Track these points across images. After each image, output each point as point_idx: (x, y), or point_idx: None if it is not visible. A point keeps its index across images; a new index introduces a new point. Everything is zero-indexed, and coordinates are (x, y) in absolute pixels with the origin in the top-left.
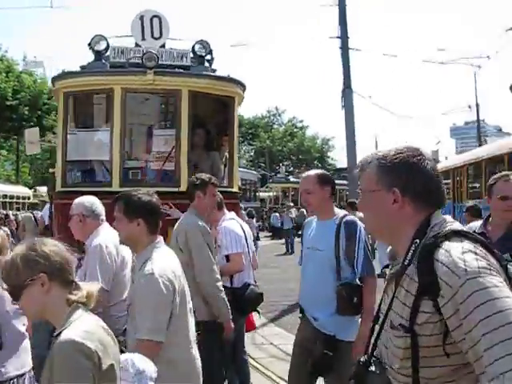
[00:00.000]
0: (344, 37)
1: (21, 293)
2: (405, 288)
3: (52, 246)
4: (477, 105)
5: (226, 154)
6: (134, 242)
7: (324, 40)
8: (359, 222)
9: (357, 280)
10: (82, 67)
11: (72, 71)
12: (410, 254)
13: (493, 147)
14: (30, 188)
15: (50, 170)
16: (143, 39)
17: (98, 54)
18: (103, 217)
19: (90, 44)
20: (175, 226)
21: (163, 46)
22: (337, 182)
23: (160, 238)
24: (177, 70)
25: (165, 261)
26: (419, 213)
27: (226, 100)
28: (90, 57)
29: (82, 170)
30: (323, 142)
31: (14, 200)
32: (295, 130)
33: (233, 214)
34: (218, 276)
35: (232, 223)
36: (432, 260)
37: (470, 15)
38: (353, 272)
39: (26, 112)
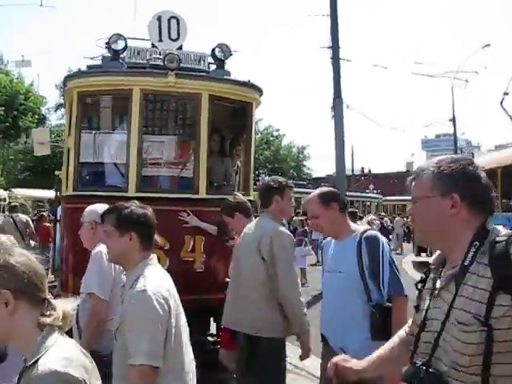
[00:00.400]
0: (335, 47)
1: None
2: (472, 285)
3: (19, 255)
4: (454, 118)
5: (238, 161)
6: (125, 258)
7: (312, 50)
8: (381, 237)
9: (385, 301)
10: (90, 67)
11: (88, 70)
12: (470, 254)
13: (484, 161)
14: (5, 190)
15: (56, 172)
16: (160, 40)
17: (116, 54)
18: None
19: (107, 43)
20: (248, 231)
21: (180, 47)
22: (309, 190)
23: (154, 256)
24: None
25: (158, 278)
26: (475, 218)
27: (244, 105)
28: (76, 57)
29: (96, 174)
30: (299, 151)
31: None
32: (271, 138)
33: None
34: (300, 290)
35: None
36: (508, 255)
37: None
38: (379, 292)
39: (2, 112)
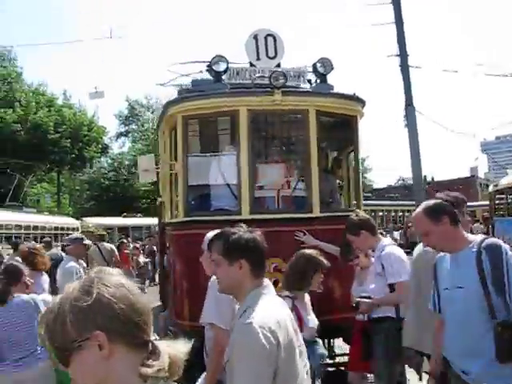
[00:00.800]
0: (403, 54)
1: (69, 358)
2: None
3: (116, 286)
4: None
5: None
6: (236, 288)
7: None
8: (504, 244)
9: None
10: (180, 92)
11: (191, 94)
12: None
13: None
14: (76, 219)
15: (159, 200)
16: (258, 59)
17: (218, 75)
18: None
19: (209, 65)
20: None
21: (278, 65)
22: (375, 202)
23: (267, 282)
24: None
25: (268, 309)
26: None
27: (349, 119)
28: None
29: (204, 198)
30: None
31: (65, 231)
32: None
33: (389, 240)
34: None
35: (396, 249)
36: None
37: None
38: (506, 307)
39: (68, 144)
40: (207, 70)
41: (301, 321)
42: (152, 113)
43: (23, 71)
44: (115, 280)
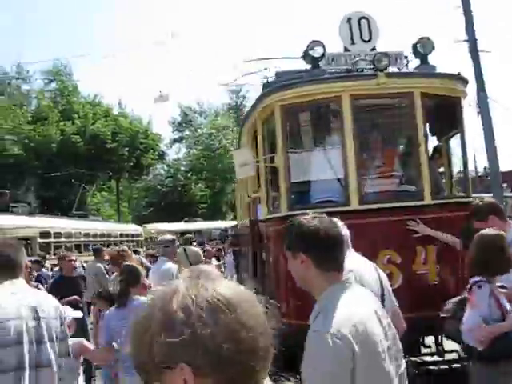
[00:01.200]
0: (472, 39)
1: (149, 382)
2: None
3: (222, 308)
4: None
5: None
6: (307, 284)
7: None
8: None
9: None
10: (265, 85)
11: (290, 82)
12: None
13: None
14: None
15: (253, 196)
16: (353, 43)
17: (315, 61)
18: (349, 242)
19: (305, 51)
20: None
21: (373, 48)
22: None
23: (346, 277)
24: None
25: (343, 311)
26: None
27: (454, 100)
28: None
29: (309, 190)
30: None
31: (130, 238)
32: None
33: None
34: None
35: None
36: None
37: None
38: None
39: (126, 153)
40: (302, 57)
41: (501, 307)
42: (204, 118)
43: (78, 83)
44: (223, 298)
